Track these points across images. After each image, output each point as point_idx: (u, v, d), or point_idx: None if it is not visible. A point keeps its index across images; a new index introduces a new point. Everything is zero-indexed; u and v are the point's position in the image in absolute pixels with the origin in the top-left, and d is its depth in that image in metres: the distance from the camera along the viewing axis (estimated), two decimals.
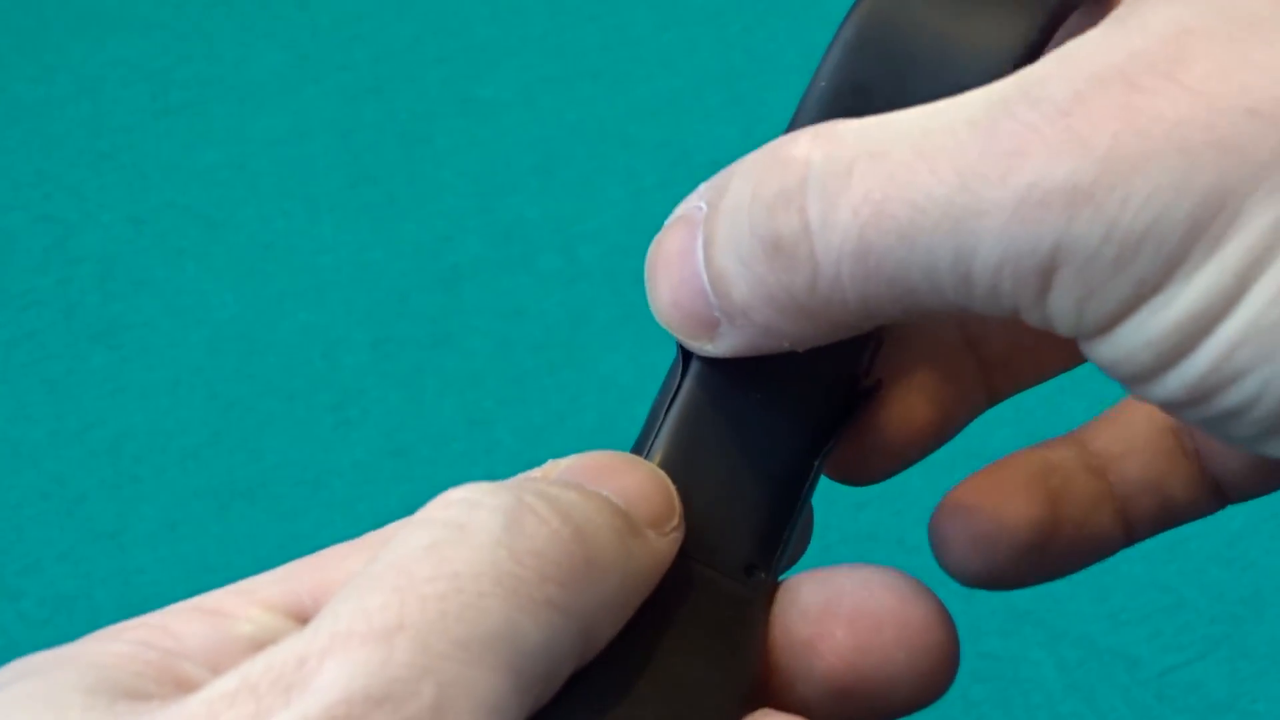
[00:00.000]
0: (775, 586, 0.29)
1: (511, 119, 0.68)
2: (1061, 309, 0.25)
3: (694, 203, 0.28)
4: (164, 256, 0.66)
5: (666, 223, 0.28)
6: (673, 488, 0.29)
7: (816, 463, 0.30)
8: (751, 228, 0.27)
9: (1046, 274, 0.25)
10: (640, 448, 0.31)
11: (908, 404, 0.32)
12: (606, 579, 0.26)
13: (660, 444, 0.31)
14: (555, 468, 0.30)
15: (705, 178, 0.29)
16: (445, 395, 0.62)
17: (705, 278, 0.28)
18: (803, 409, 0.30)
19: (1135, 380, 0.26)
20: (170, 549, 0.59)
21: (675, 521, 0.28)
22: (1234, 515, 0.59)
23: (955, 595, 0.57)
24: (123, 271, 0.65)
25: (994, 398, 0.34)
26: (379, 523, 0.64)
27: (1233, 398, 0.25)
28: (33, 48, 0.71)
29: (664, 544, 0.28)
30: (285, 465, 0.61)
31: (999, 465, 0.32)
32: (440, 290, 0.64)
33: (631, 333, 0.62)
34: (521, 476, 0.29)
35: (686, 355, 0.30)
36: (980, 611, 0.57)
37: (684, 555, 0.29)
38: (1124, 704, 0.55)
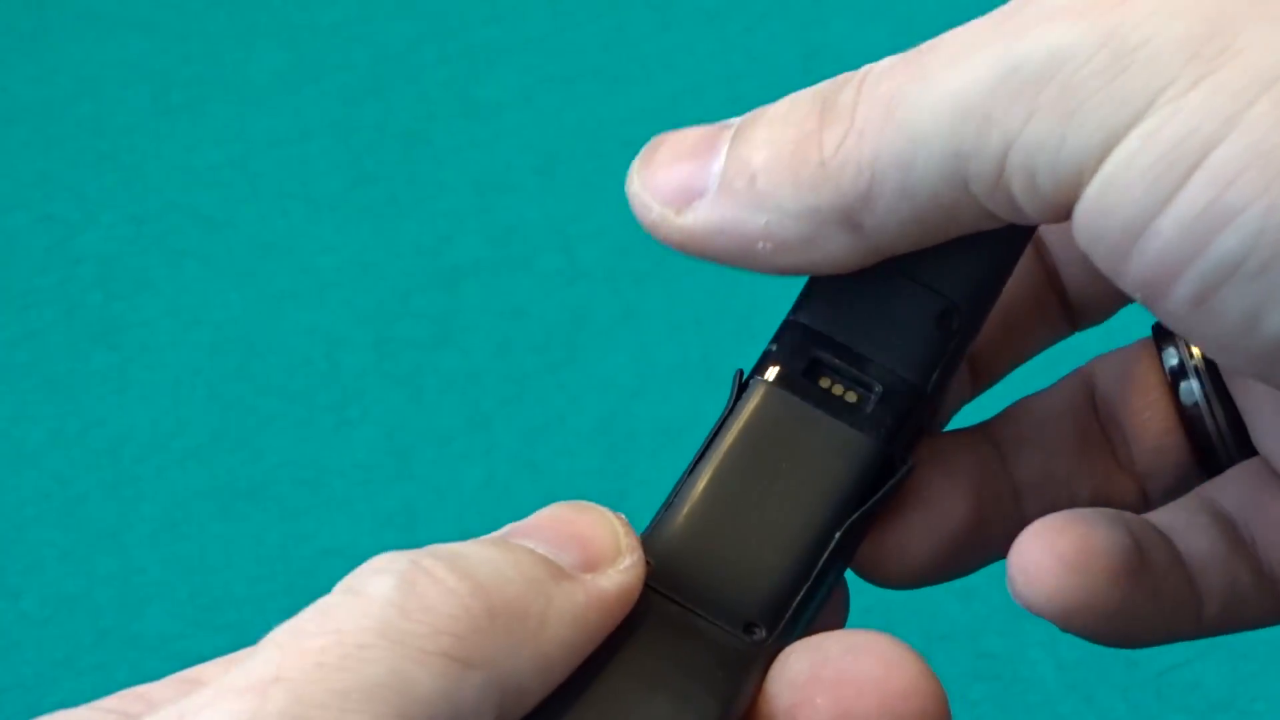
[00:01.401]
0: (775, 651, 0.29)
1: (511, 119, 0.68)
2: (1047, 128, 0.26)
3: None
4: (165, 256, 0.66)
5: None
6: (620, 527, 0.29)
7: (838, 535, 0.30)
8: (810, 100, 0.28)
9: (1040, 82, 0.25)
10: (676, 488, 0.31)
11: (947, 504, 0.32)
12: (519, 626, 0.26)
13: (688, 488, 0.31)
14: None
15: None
16: (445, 395, 0.62)
17: (724, 150, 0.29)
18: (832, 479, 0.30)
19: (1126, 234, 0.26)
20: (170, 549, 0.59)
21: (626, 562, 0.28)
22: None
23: (955, 594, 0.57)
24: (123, 271, 0.65)
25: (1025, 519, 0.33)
26: (379, 523, 0.64)
27: (1230, 241, 0.24)
28: (33, 48, 0.71)
29: (610, 583, 0.28)
30: (285, 465, 0.61)
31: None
32: (440, 290, 0.64)
33: (631, 333, 0.63)
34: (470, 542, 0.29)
35: (735, 402, 0.31)
36: (979, 611, 0.57)
37: (680, 603, 0.29)
38: (1123, 703, 0.55)
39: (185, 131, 0.68)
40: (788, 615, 0.29)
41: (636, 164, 0.31)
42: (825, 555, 0.30)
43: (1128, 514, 0.31)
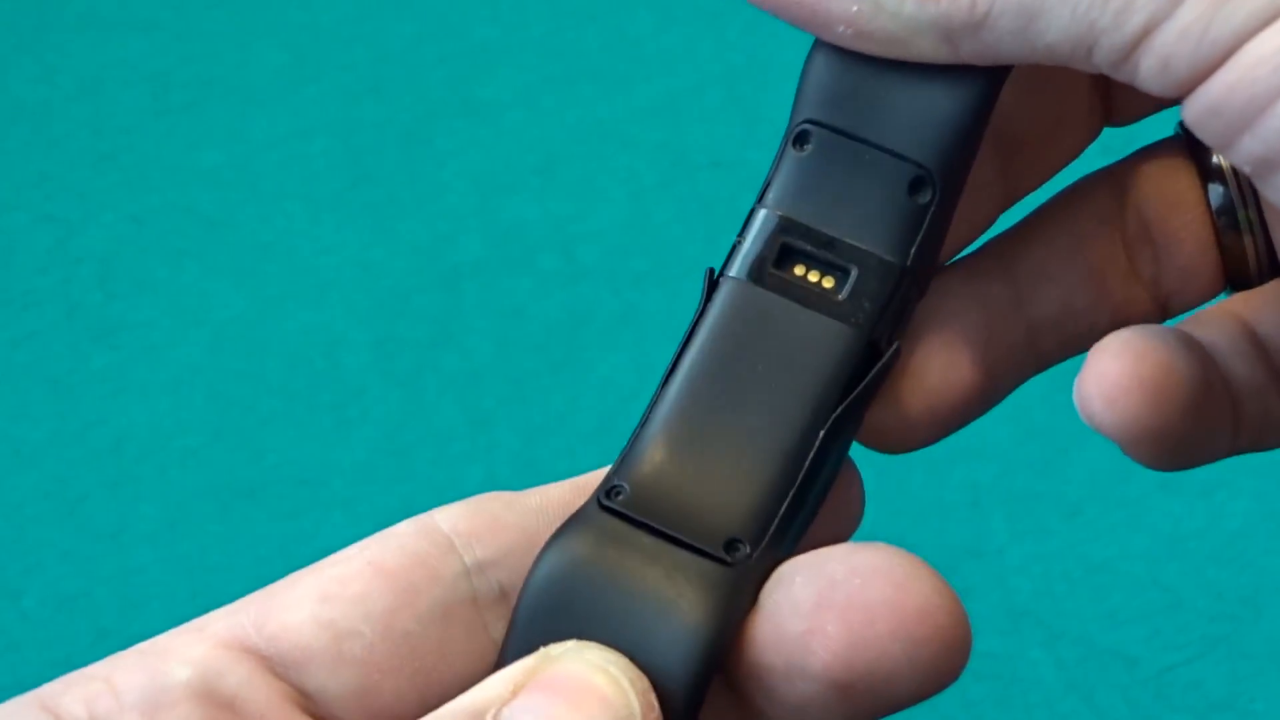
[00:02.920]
0: (767, 565, 0.27)
1: (512, 120, 0.68)
2: (1194, 15, 0.25)
3: None
4: (165, 256, 0.66)
5: None
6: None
7: (821, 434, 0.28)
8: None
9: None
10: (650, 403, 0.30)
11: (949, 363, 0.30)
12: None
13: (660, 402, 0.29)
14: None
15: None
16: (445, 395, 0.62)
17: None
18: (811, 374, 0.28)
19: (1246, 115, 0.26)
20: (170, 549, 0.59)
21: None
22: (1233, 515, 0.59)
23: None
24: (124, 271, 0.65)
25: (1041, 363, 0.32)
26: (379, 523, 0.64)
27: None
28: (33, 48, 0.71)
29: None
30: (285, 465, 0.61)
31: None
32: (441, 290, 0.64)
33: (631, 333, 0.63)
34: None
35: (704, 304, 0.29)
36: (979, 610, 0.57)
37: (657, 529, 0.27)
38: (1123, 703, 0.55)
39: (185, 131, 0.68)
40: (774, 527, 0.27)
41: None
42: (810, 457, 0.28)
43: (1189, 335, 0.30)
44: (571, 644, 0.26)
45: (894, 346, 0.29)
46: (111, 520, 0.60)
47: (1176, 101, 0.27)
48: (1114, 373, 0.29)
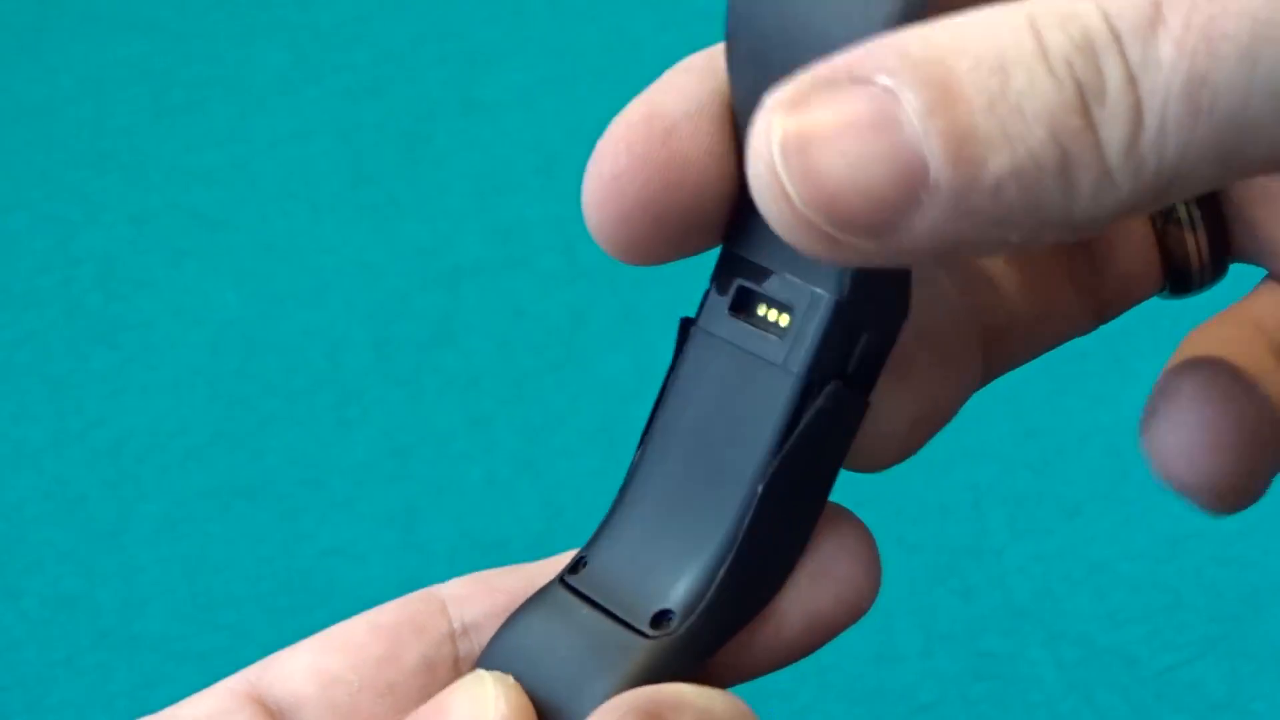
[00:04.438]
0: (707, 635, 0.26)
1: (512, 120, 0.68)
2: None
3: (840, 76, 0.23)
4: (165, 257, 0.66)
5: (785, 103, 0.23)
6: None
7: (760, 488, 0.26)
8: (1053, 82, 0.23)
9: None
10: (628, 469, 0.28)
11: (919, 388, 0.29)
12: None
13: (634, 468, 0.28)
14: None
15: None
16: (445, 395, 0.62)
17: (931, 145, 0.22)
18: (750, 426, 0.26)
19: None
20: (170, 549, 0.59)
21: None
22: (1233, 516, 0.59)
23: (955, 594, 0.57)
24: (124, 271, 0.65)
25: (990, 373, 0.31)
26: (379, 523, 0.64)
27: None
28: (34, 48, 0.71)
29: None
30: (285, 465, 0.61)
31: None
32: (441, 290, 0.64)
33: (631, 333, 0.63)
34: None
35: (675, 356, 0.28)
36: (979, 610, 0.57)
37: (594, 602, 0.27)
38: (1123, 703, 0.55)
39: (185, 131, 0.68)
40: (709, 595, 0.26)
41: (791, 182, 0.23)
42: (747, 516, 0.26)
43: (1238, 371, 0.29)
44: (475, 673, 0.27)
45: (829, 391, 0.26)
46: (112, 520, 0.60)
47: None
48: (1195, 431, 0.28)
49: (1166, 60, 0.22)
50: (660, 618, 0.26)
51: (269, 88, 0.69)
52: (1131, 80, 0.22)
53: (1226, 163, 0.23)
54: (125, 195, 0.67)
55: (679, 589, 0.26)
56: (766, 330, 0.27)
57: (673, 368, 0.28)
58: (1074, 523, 0.58)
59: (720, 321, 0.27)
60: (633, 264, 0.29)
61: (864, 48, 0.23)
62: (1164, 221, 0.31)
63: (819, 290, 0.26)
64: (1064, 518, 0.59)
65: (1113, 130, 0.23)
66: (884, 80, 0.23)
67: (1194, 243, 0.31)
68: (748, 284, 0.27)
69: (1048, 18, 0.23)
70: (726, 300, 0.27)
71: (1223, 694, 0.55)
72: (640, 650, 0.26)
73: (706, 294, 0.28)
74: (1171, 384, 0.28)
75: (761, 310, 0.27)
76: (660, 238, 0.28)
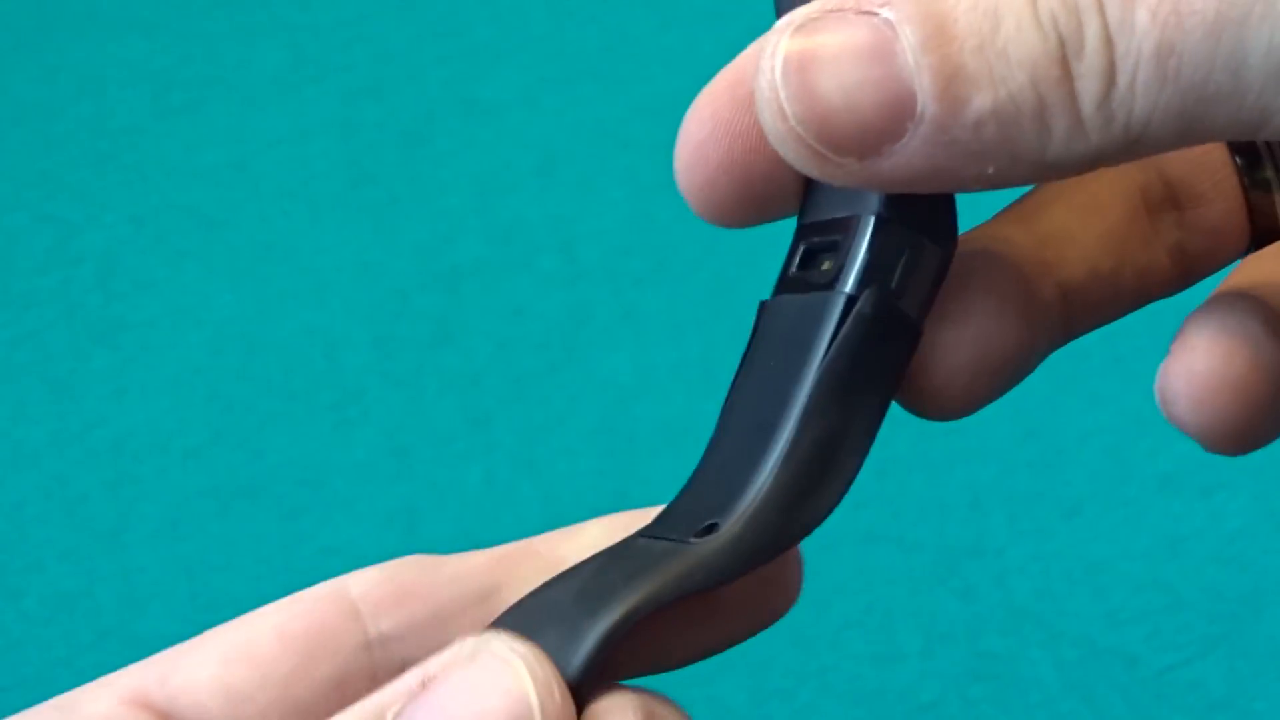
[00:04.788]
0: (738, 543, 0.26)
1: (512, 120, 0.68)
2: None
3: (848, 5, 0.25)
4: (165, 257, 0.66)
5: (795, 24, 0.26)
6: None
7: (805, 398, 0.27)
8: (1038, 33, 0.24)
9: None
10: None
11: (988, 321, 0.29)
12: None
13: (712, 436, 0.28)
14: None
15: None
16: (445, 395, 0.62)
17: (921, 79, 0.25)
18: (799, 349, 0.27)
19: None
20: (170, 549, 0.59)
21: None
22: (1232, 515, 0.59)
23: (955, 594, 0.57)
24: (124, 272, 0.65)
25: (1071, 330, 0.31)
26: (379, 523, 0.64)
27: None
28: (34, 48, 0.71)
29: None
30: (285, 465, 0.61)
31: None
32: (440, 290, 0.64)
33: (631, 333, 0.63)
34: None
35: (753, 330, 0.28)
36: (979, 610, 0.57)
37: (649, 534, 0.27)
38: (1123, 703, 0.55)
39: (185, 131, 0.68)
40: (752, 504, 0.26)
41: (784, 93, 0.25)
42: (793, 422, 0.27)
43: (1269, 310, 0.29)
44: (485, 634, 0.26)
45: (868, 295, 0.27)
46: (111, 520, 0.60)
47: None
48: (1202, 373, 0.28)
49: (1141, 26, 0.24)
50: (706, 531, 0.27)
51: (269, 88, 0.69)
52: (1108, 40, 0.24)
53: (1188, 127, 0.25)
54: (125, 195, 0.67)
55: (725, 501, 0.27)
56: (819, 278, 0.28)
57: (749, 342, 0.29)
58: (1074, 523, 0.58)
59: (786, 285, 0.28)
60: (721, 225, 0.29)
61: None
62: (1251, 183, 0.32)
63: (857, 211, 0.27)
64: (1064, 518, 0.58)
65: (1087, 83, 0.24)
66: (886, 13, 0.25)
67: None
68: (810, 244, 0.28)
69: None
70: (793, 265, 0.28)
71: (1223, 694, 0.55)
72: (677, 555, 0.26)
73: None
74: (1192, 321, 0.28)
75: (822, 264, 0.28)
76: (743, 201, 0.29)
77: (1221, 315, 0.29)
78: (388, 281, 0.65)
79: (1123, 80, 0.24)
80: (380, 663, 0.28)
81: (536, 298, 0.64)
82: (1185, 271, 0.32)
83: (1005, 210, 0.31)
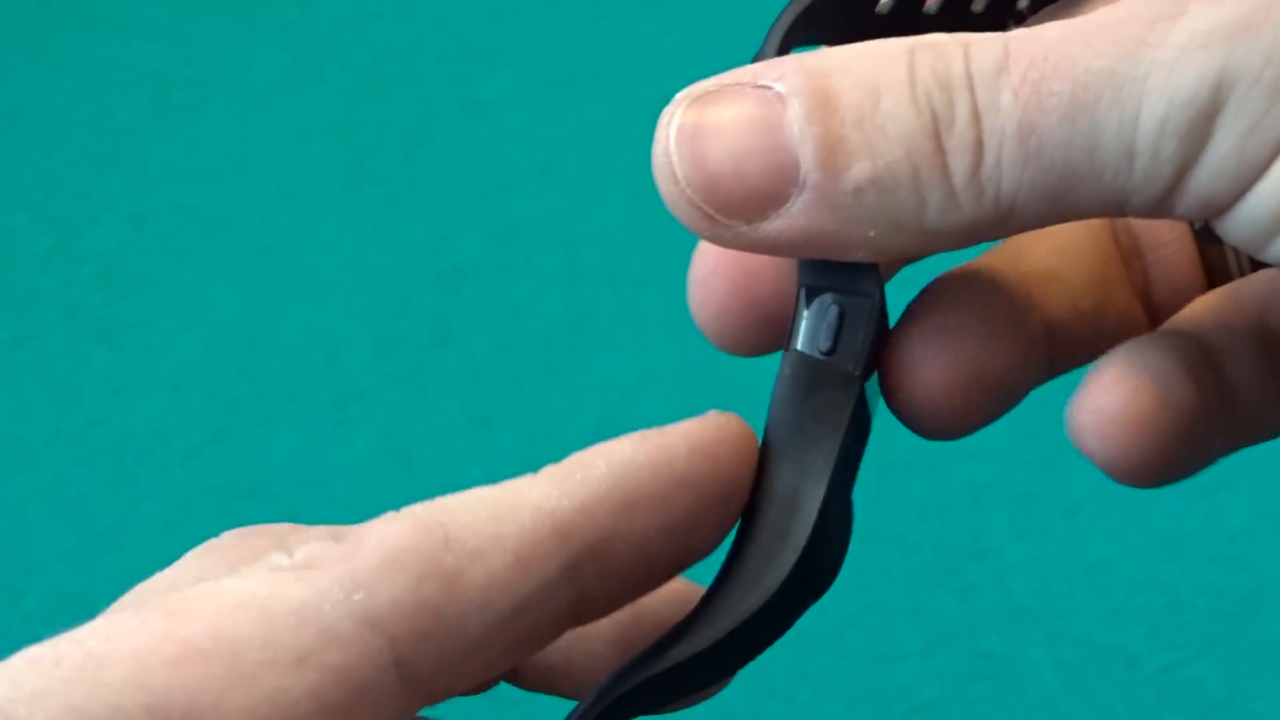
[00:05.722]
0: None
1: (512, 120, 0.68)
2: (1223, 156, 0.25)
3: (745, 80, 0.27)
4: (165, 257, 0.66)
5: (693, 97, 0.27)
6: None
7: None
8: (913, 109, 0.26)
9: (1209, 117, 0.25)
10: None
11: (975, 348, 0.30)
12: None
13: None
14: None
15: None
16: (445, 395, 0.62)
17: (805, 149, 0.26)
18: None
19: (1276, 221, 0.26)
20: (171, 549, 0.59)
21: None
22: (1232, 515, 0.59)
23: (954, 595, 0.57)
24: (124, 271, 0.65)
25: (1058, 365, 0.32)
26: None
27: None
28: (34, 48, 0.71)
29: None
30: (285, 465, 0.61)
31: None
32: (441, 290, 0.64)
33: (631, 333, 0.63)
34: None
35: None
36: (978, 610, 0.57)
37: None
38: (1122, 702, 0.55)
39: (185, 131, 0.68)
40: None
41: (676, 159, 0.27)
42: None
43: (1187, 342, 0.31)
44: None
45: (789, 357, 0.29)
46: (113, 519, 0.60)
47: (1210, 218, 0.27)
48: (1108, 408, 0.30)
49: (1005, 106, 0.26)
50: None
51: (269, 88, 0.69)
52: (977, 118, 0.26)
53: (1056, 202, 0.26)
54: (125, 195, 0.67)
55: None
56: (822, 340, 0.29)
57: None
58: (1074, 523, 0.58)
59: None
60: (741, 354, 0.32)
61: (773, 60, 0.27)
62: (1201, 231, 0.33)
63: (862, 297, 0.29)
64: (1064, 518, 0.59)
65: (958, 158, 0.26)
66: (778, 87, 0.26)
67: (1233, 257, 0.33)
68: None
69: (922, 53, 0.26)
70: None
71: (1223, 694, 0.55)
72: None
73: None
74: (1108, 357, 0.30)
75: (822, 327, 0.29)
76: (756, 325, 0.31)
77: (1136, 353, 0.30)
78: (388, 281, 0.65)
79: (989, 156, 0.26)
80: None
81: (536, 298, 0.64)
82: (1154, 316, 0.33)
83: (990, 251, 0.32)
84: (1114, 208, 0.26)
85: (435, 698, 0.26)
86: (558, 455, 0.33)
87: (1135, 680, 0.56)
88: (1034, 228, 0.27)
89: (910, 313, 0.30)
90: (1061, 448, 0.64)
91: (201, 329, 0.64)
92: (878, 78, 0.26)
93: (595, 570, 0.28)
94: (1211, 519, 0.59)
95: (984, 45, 0.26)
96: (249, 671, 0.25)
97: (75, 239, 0.66)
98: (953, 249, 0.28)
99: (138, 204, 0.67)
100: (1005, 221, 0.26)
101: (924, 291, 0.31)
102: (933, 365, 0.30)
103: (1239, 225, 0.26)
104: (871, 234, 0.26)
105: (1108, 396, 0.30)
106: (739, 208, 0.27)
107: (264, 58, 0.70)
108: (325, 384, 0.63)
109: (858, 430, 0.29)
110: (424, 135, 0.68)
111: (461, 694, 0.27)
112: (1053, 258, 0.32)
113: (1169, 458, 0.30)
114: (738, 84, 0.27)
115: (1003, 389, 0.31)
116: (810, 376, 0.29)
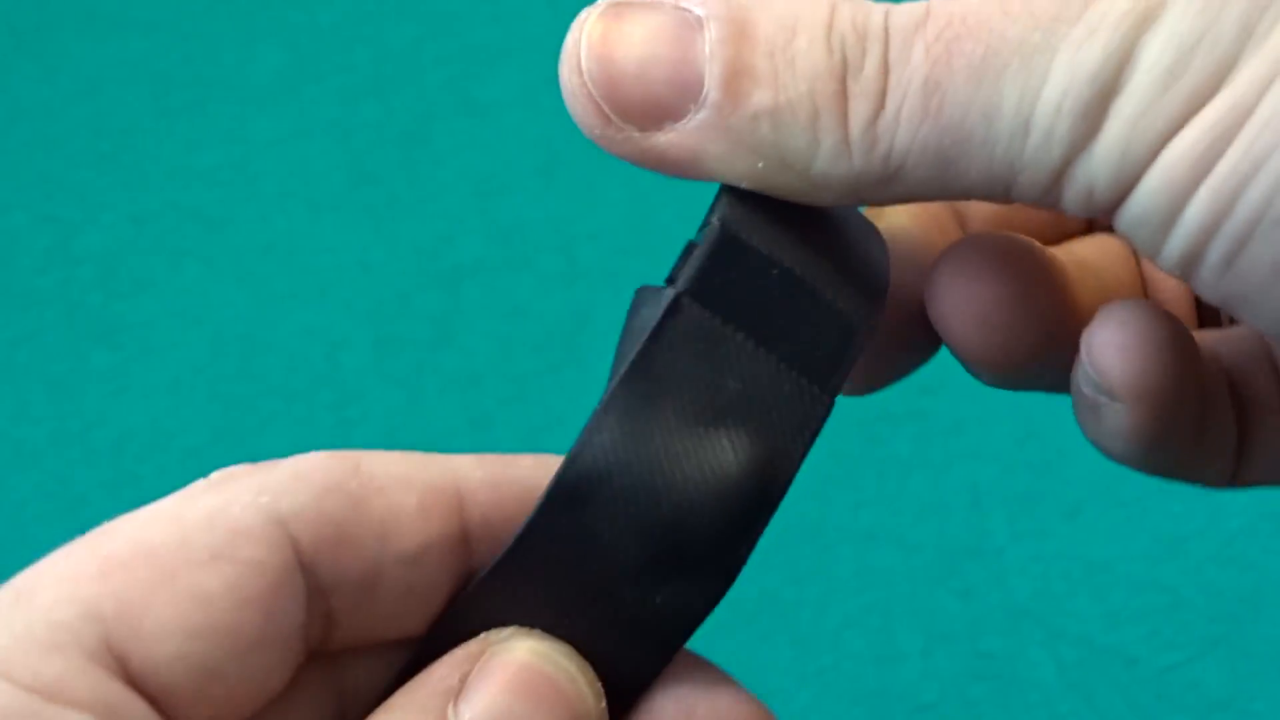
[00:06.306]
0: None
1: (511, 120, 0.68)
2: (1113, 139, 0.26)
3: (669, 1, 0.27)
4: (165, 257, 0.66)
5: (617, 2, 0.28)
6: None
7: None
8: (825, 50, 0.27)
9: (1106, 98, 0.26)
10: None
11: (1036, 294, 0.31)
12: None
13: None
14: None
15: None
16: (445, 395, 0.62)
17: (713, 68, 0.27)
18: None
19: (1168, 216, 0.26)
20: None
21: None
22: (1232, 515, 0.59)
23: (954, 595, 0.57)
24: (124, 272, 0.65)
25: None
26: None
27: (1254, 194, 0.25)
28: (34, 49, 0.71)
29: None
30: None
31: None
32: (441, 290, 0.64)
33: None
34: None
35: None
36: (979, 610, 0.57)
37: None
38: (1123, 702, 0.55)
39: (185, 131, 0.69)
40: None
41: (584, 51, 0.27)
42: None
43: (1193, 340, 0.31)
44: (509, 631, 0.28)
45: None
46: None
47: (1101, 215, 0.27)
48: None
49: (915, 60, 0.26)
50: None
51: (269, 88, 0.69)
52: (885, 68, 0.26)
53: (944, 170, 0.26)
54: (125, 195, 0.67)
55: None
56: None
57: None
58: (1074, 523, 0.58)
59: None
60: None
61: None
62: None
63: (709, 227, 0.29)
64: (1064, 518, 0.59)
65: (859, 104, 0.26)
66: (698, 10, 0.27)
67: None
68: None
69: (846, 4, 0.27)
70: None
71: (1223, 694, 0.55)
72: None
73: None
74: (1114, 304, 0.30)
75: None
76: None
77: (1138, 303, 0.30)
78: (388, 281, 0.65)
79: (890, 107, 0.26)
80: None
81: (536, 298, 0.64)
82: None
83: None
84: (1000, 186, 0.27)
85: (346, 639, 0.28)
86: (558, 455, 0.33)
87: (1135, 680, 0.56)
88: (917, 198, 0.27)
89: (957, 244, 0.31)
90: (1062, 449, 0.65)
91: (201, 329, 0.64)
92: (797, 17, 0.27)
93: (490, 550, 0.30)
94: (1211, 519, 0.59)
95: (908, 5, 0.27)
96: (168, 571, 0.27)
97: (75, 239, 0.66)
98: (831, 205, 0.28)
99: (138, 204, 0.67)
100: (890, 182, 0.27)
101: (971, 236, 0.31)
102: (977, 280, 0.30)
103: (1130, 226, 0.26)
104: (760, 166, 0.27)
105: (1120, 329, 0.30)
106: (635, 112, 0.27)
107: (264, 58, 0.70)
108: (325, 384, 0.63)
109: (669, 340, 0.30)
110: (424, 135, 0.68)
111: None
112: (1101, 256, 0.33)
113: (1173, 394, 0.30)
114: (661, 1, 0.27)
115: (1042, 320, 0.31)
116: (638, 301, 0.31)
